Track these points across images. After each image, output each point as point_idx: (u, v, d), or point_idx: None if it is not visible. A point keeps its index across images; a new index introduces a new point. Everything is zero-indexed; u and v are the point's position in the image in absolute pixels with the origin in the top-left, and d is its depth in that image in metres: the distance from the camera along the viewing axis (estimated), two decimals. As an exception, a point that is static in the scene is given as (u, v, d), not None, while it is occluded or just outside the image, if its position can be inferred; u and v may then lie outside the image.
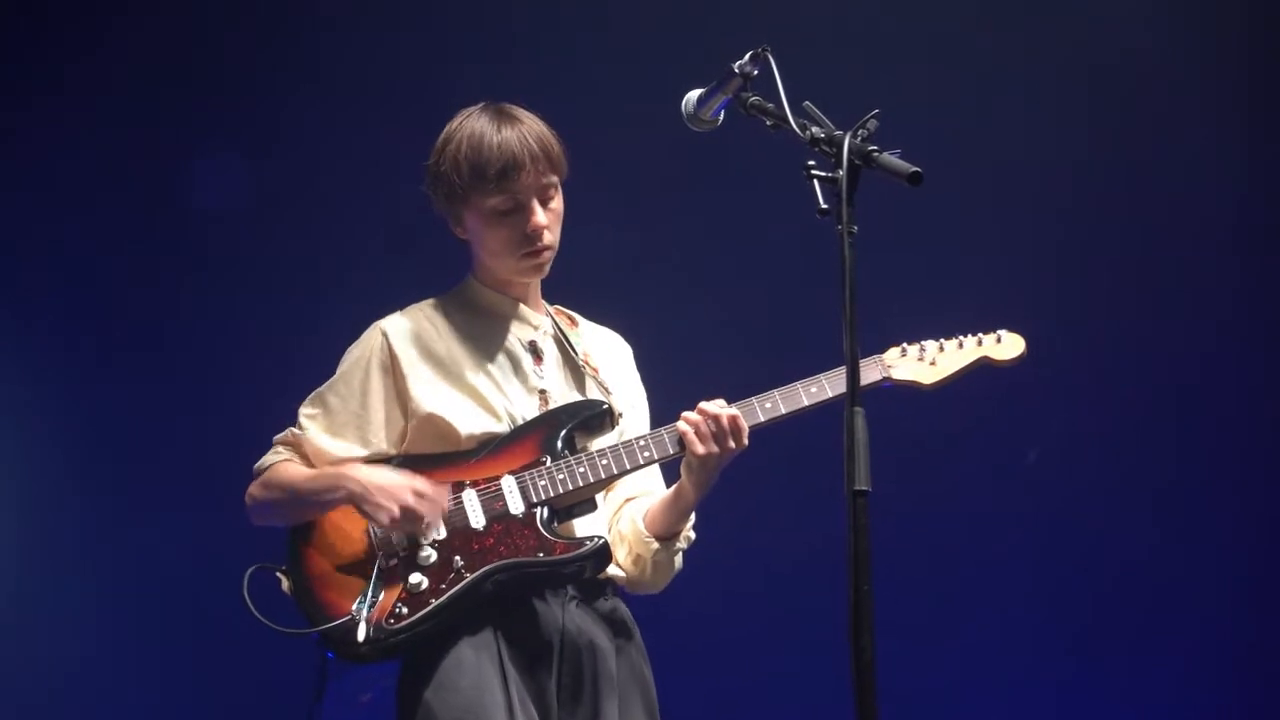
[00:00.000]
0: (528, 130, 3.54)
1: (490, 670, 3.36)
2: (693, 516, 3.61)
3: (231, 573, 5.46)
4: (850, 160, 2.84)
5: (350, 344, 3.69)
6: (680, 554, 3.62)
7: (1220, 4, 5.94)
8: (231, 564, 5.54)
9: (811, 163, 2.89)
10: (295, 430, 3.62)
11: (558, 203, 3.60)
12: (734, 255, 5.75)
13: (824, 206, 2.85)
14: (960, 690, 5.71)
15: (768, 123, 3.12)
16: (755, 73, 3.16)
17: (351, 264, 5.76)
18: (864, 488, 2.75)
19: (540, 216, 3.54)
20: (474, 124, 3.56)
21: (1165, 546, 5.75)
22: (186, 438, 5.70)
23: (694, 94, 3.31)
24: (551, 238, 3.58)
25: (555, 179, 3.58)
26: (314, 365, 5.66)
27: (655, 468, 3.67)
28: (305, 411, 3.62)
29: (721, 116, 3.31)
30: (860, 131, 2.89)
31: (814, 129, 2.97)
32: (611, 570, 3.56)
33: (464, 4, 5.85)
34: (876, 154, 2.86)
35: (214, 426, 5.59)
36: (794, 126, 3.01)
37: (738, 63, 3.17)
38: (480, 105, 3.61)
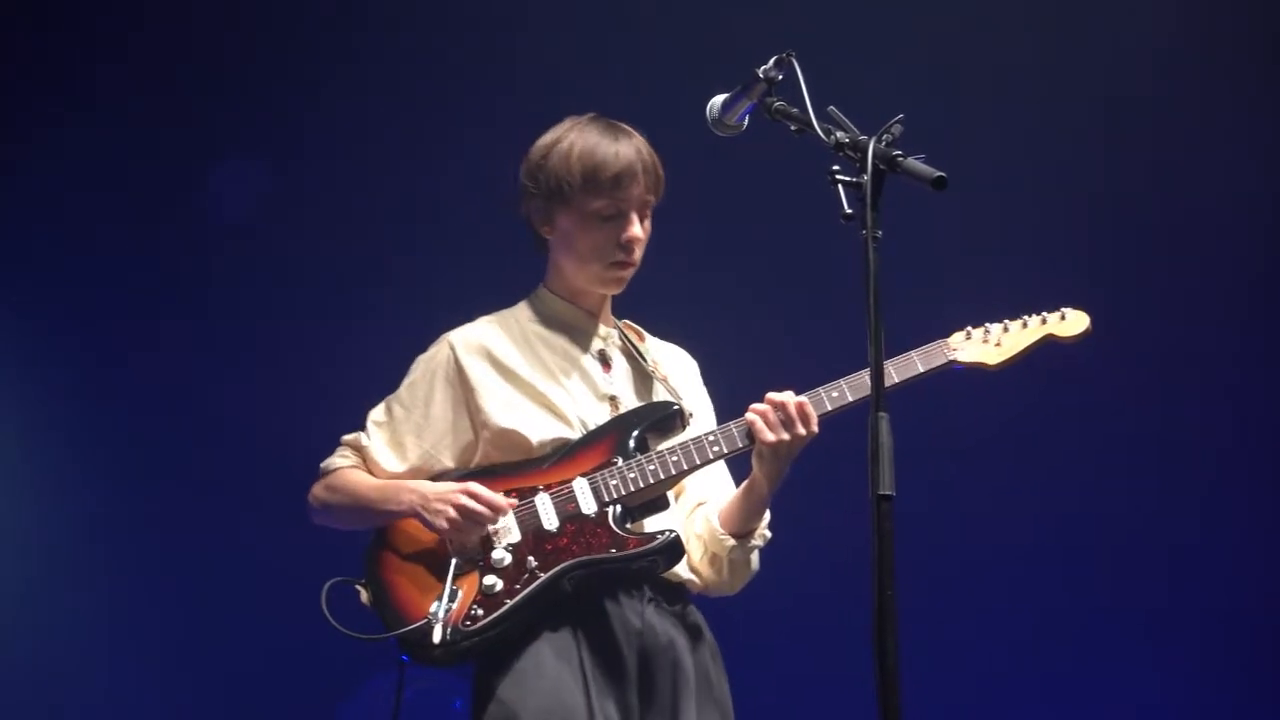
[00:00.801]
0: (641, 145, 3.60)
1: (569, 671, 3.38)
2: (767, 515, 3.61)
3: (238, 576, 5.56)
4: (875, 165, 2.84)
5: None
6: (756, 553, 3.62)
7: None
8: (237, 566, 5.63)
9: (836, 168, 2.89)
10: (363, 436, 3.67)
11: (649, 225, 3.64)
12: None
13: (848, 211, 2.85)
14: (983, 690, 5.72)
15: (792, 128, 3.12)
16: (780, 77, 3.16)
17: (364, 265, 5.81)
18: (888, 492, 2.75)
19: (637, 229, 3.59)
20: (587, 130, 3.60)
21: (1191, 546, 5.75)
22: (187, 438, 5.75)
23: (718, 99, 3.30)
24: (639, 255, 3.63)
25: (653, 200, 3.63)
26: (317, 365, 5.75)
27: (727, 473, 3.69)
28: (373, 418, 3.68)
29: (746, 121, 3.30)
30: (885, 136, 2.88)
31: (838, 134, 2.97)
32: (685, 574, 3.58)
33: (491, 7, 5.88)
34: (901, 159, 2.85)
35: (217, 428, 5.63)
36: (818, 131, 3.00)
37: (762, 67, 3.17)
38: (589, 116, 3.64)
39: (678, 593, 3.57)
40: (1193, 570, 5.79)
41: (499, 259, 5.72)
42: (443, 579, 3.41)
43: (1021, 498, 5.78)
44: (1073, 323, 3.64)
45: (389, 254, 5.87)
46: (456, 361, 3.62)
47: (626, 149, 3.56)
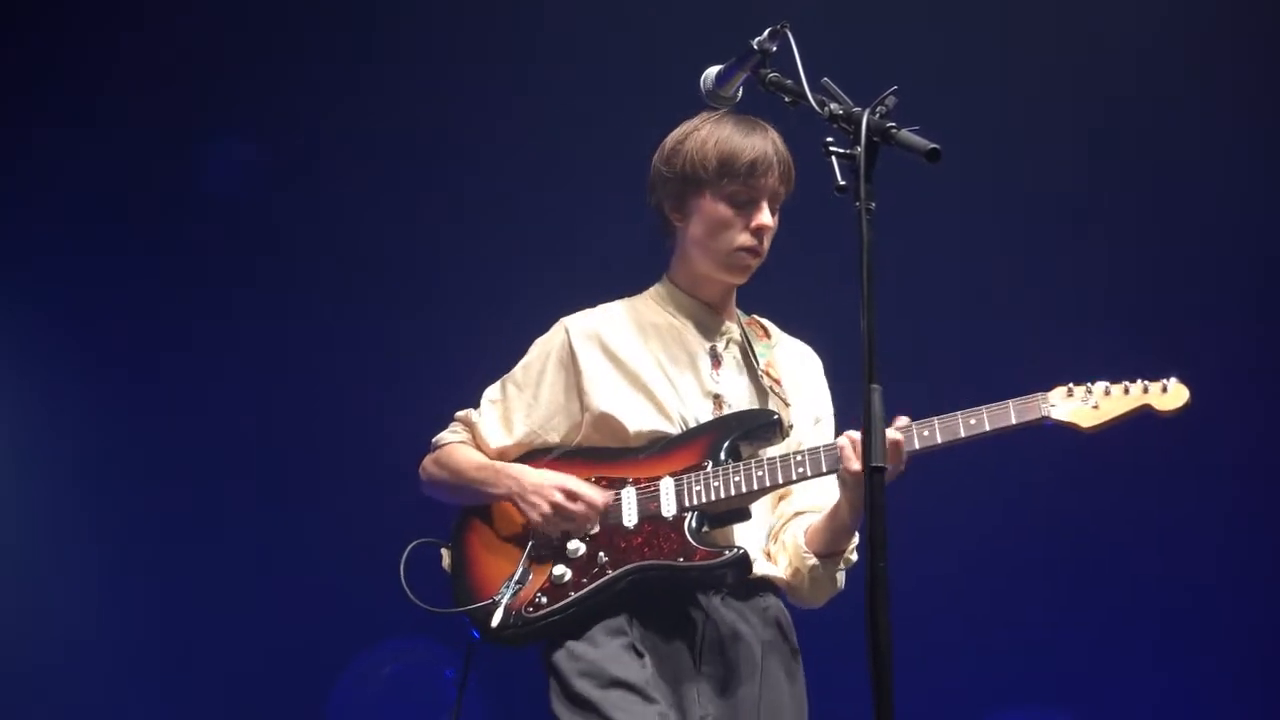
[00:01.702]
0: (775, 139, 3.62)
1: (622, 645, 3.43)
2: (856, 538, 3.59)
3: (237, 575, 5.54)
4: (868, 137, 2.84)
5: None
6: (842, 573, 3.62)
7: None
8: (237, 566, 5.61)
9: (830, 139, 2.89)
10: (474, 413, 3.75)
11: (777, 220, 3.65)
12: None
13: (842, 183, 2.85)
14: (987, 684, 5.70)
15: (786, 99, 3.13)
16: (774, 49, 3.17)
17: (365, 266, 5.81)
18: (881, 464, 2.76)
19: (767, 217, 3.60)
20: (723, 122, 3.63)
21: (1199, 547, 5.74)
22: (187, 438, 5.74)
23: (713, 70, 3.33)
24: (766, 246, 3.63)
25: (784, 193, 3.64)
26: (318, 365, 5.74)
27: (835, 486, 3.62)
28: (488, 396, 3.77)
29: (740, 93, 3.33)
30: (879, 108, 2.88)
31: (832, 105, 2.98)
32: (772, 572, 3.60)
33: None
34: (894, 130, 2.86)
35: (217, 427, 5.63)
36: (812, 103, 3.01)
37: (757, 39, 3.18)
38: (724, 111, 3.60)
39: (754, 587, 3.58)
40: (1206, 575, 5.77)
41: (500, 258, 5.80)
42: (518, 557, 3.54)
43: (1026, 497, 5.75)
44: (1172, 396, 3.48)
45: (389, 254, 5.87)
46: (570, 345, 3.69)
47: (761, 142, 3.59)
